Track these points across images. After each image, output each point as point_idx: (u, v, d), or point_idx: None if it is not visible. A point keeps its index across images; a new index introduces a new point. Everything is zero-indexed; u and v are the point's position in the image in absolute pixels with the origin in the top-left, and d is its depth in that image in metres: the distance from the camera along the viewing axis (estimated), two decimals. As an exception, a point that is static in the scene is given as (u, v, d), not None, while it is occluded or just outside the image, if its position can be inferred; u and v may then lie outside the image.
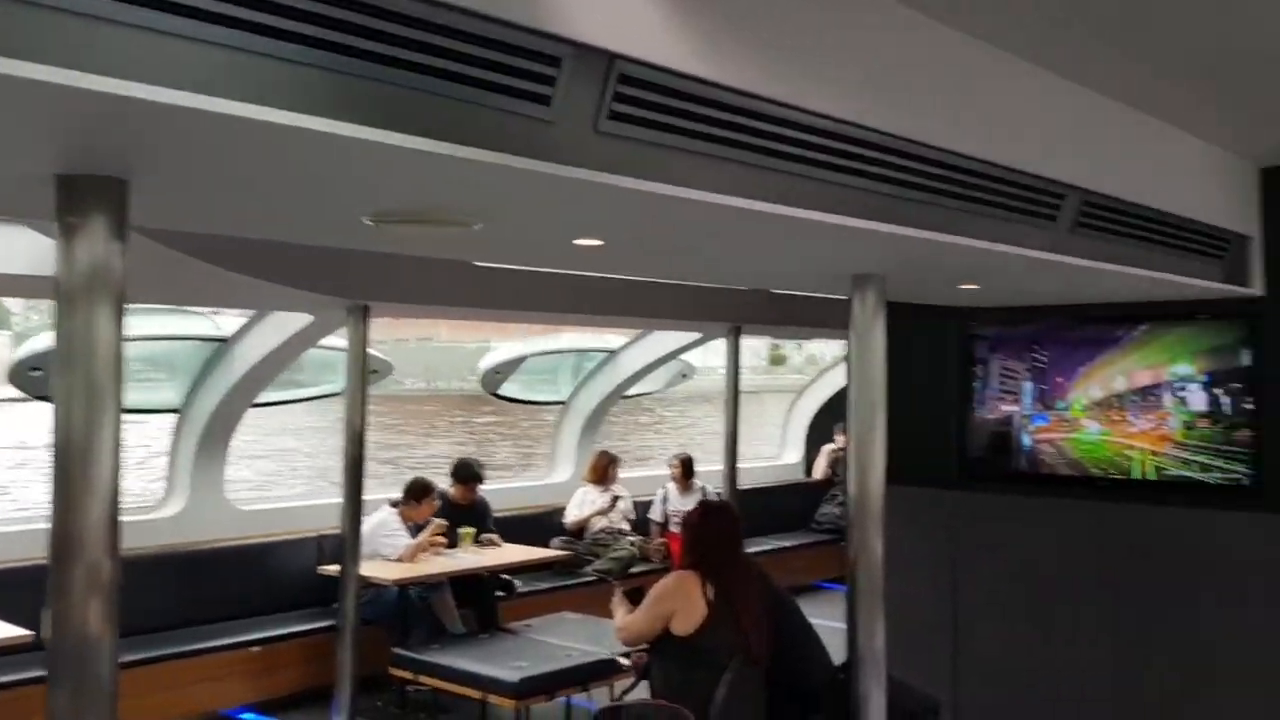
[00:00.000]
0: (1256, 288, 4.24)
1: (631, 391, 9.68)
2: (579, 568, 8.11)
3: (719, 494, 7.91)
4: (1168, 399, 4.56)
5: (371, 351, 5.37)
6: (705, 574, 3.97)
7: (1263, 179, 4.25)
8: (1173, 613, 4.53)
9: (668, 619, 3.93)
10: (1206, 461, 4.45)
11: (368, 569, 5.97)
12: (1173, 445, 4.54)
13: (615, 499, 8.47)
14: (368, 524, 6.14)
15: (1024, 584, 4.94)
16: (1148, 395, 4.61)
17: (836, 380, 10.64)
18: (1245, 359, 4.34)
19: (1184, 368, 4.51)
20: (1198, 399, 4.48)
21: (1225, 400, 4.40)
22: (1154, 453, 4.59)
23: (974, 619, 5.08)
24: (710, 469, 8.76)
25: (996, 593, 5.02)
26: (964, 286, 4.01)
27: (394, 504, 6.97)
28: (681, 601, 3.92)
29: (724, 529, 4.17)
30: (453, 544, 7.03)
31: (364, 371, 5.06)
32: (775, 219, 2.30)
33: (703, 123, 2.07)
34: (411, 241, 2.96)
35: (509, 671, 5.49)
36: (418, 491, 7.03)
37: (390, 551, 6.65)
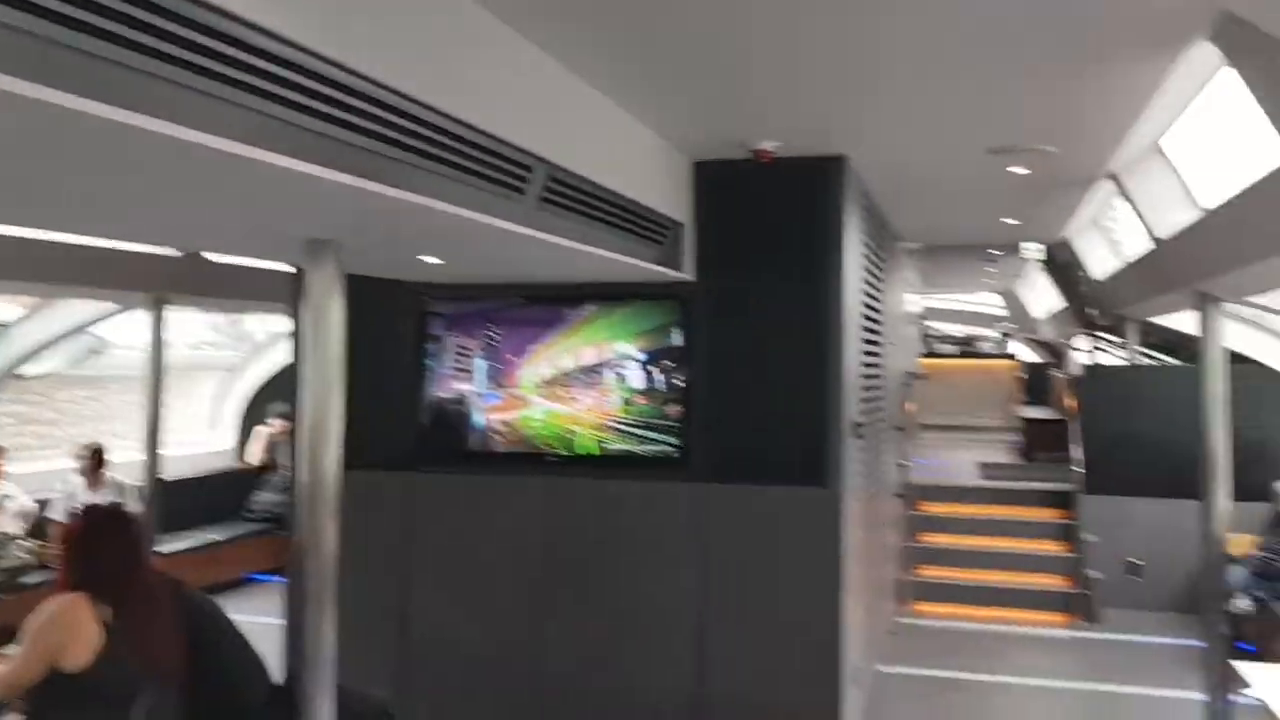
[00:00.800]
0: (688, 272, 4.56)
1: (31, 371, 8.22)
2: (-47, 584, 6.67)
3: (138, 487, 6.96)
4: (610, 377, 4.76)
5: None
6: (96, 594, 3.27)
7: (694, 171, 4.58)
8: (615, 579, 4.75)
9: (53, 656, 3.18)
10: (643, 435, 4.72)
11: None
12: (614, 420, 4.75)
13: (1, 498, 7.10)
14: None
15: (476, 565, 4.90)
16: (592, 373, 4.78)
17: (276, 358, 9.98)
18: (677, 339, 4.66)
19: (625, 347, 4.74)
20: (636, 376, 4.73)
21: (660, 378, 4.70)
22: (597, 428, 4.77)
23: (426, 607, 4.94)
24: (136, 458, 7.68)
25: (449, 577, 4.93)
26: (425, 259, 3.80)
27: None
28: (68, 633, 3.19)
29: (115, 538, 3.46)
30: None
31: None
32: (212, 155, 1.86)
33: (114, 19, 1.58)
34: None
35: None
36: None
37: None
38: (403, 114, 2.32)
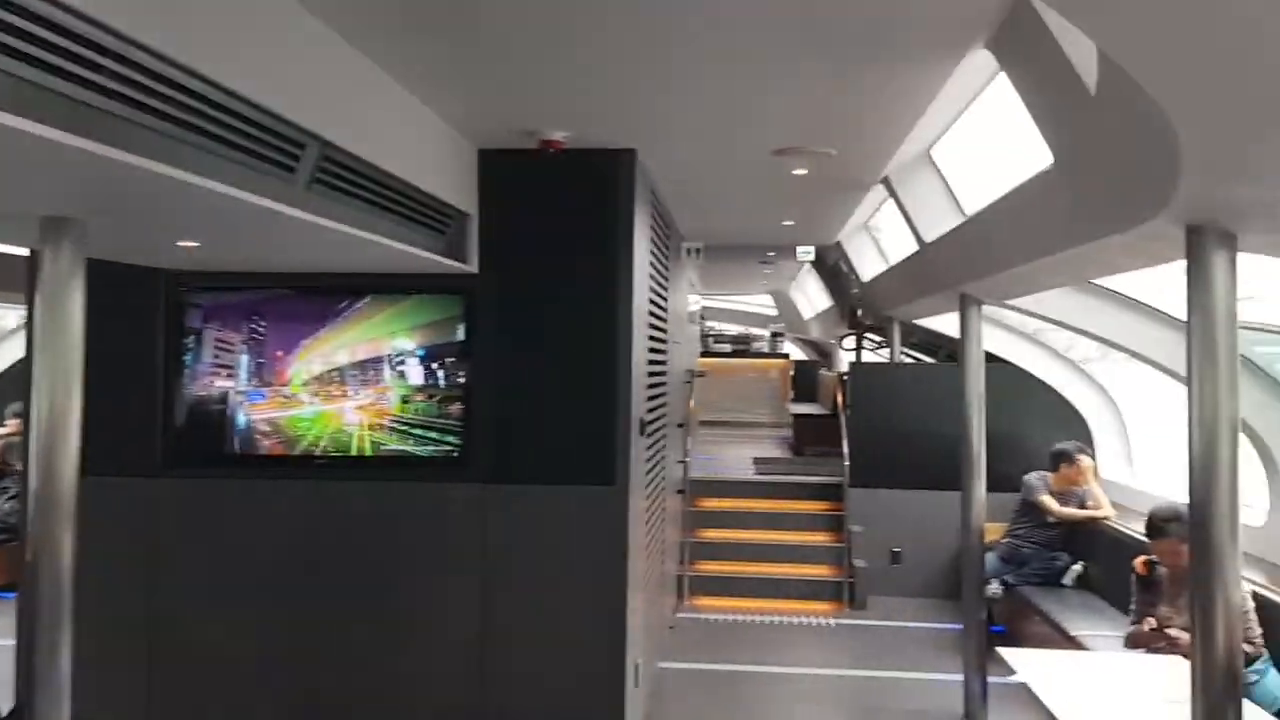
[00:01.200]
0: (472, 265, 4.40)
1: None
2: None
3: None
4: (388, 373, 4.53)
5: None
6: None
7: (481, 160, 4.42)
8: (390, 587, 4.53)
9: None
10: (422, 435, 4.51)
11: None
12: (391, 419, 4.52)
13: None
14: None
15: (238, 577, 4.55)
16: (368, 369, 4.53)
17: (13, 352, 9.04)
18: (460, 334, 4.49)
19: (404, 342, 4.52)
20: (416, 373, 4.52)
21: (440, 374, 4.50)
22: (373, 427, 4.53)
23: (180, 624, 4.54)
24: None
25: (207, 590, 4.56)
26: (183, 243, 3.47)
27: None
28: None
29: None
30: None
31: None
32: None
33: None
34: None
35: None
36: None
37: None
38: (157, 76, 2.06)
